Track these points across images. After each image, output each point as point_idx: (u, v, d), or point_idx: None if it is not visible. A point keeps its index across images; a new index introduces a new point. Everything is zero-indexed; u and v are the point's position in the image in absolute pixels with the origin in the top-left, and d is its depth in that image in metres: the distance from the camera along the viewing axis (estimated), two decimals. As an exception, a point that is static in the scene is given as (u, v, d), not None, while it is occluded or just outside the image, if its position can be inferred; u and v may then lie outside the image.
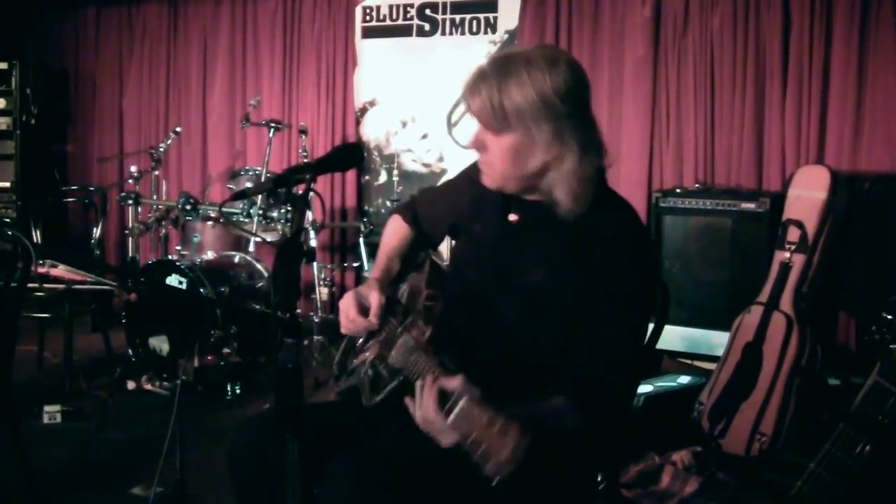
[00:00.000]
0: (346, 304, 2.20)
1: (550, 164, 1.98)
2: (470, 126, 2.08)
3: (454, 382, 1.81)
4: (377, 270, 2.37)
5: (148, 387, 4.89)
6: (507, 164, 2.02)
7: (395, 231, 2.53)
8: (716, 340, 4.63)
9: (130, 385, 4.91)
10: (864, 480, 1.44)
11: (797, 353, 4.07)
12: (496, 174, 2.07)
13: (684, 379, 4.59)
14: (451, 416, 1.74)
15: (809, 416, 4.02)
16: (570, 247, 2.03)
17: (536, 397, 1.96)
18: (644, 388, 4.36)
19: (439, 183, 4.42)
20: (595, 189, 2.02)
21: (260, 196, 5.01)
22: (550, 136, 1.95)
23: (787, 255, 4.21)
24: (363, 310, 2.19)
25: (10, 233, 2.96)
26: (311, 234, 5.39)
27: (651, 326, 2.48)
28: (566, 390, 1.95)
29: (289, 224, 4.87)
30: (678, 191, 5.11)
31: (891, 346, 1.44)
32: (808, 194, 4.24)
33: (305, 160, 5.23)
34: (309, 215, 4.76)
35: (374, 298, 2.19)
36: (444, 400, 1.79)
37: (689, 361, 4.93)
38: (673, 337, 4.85)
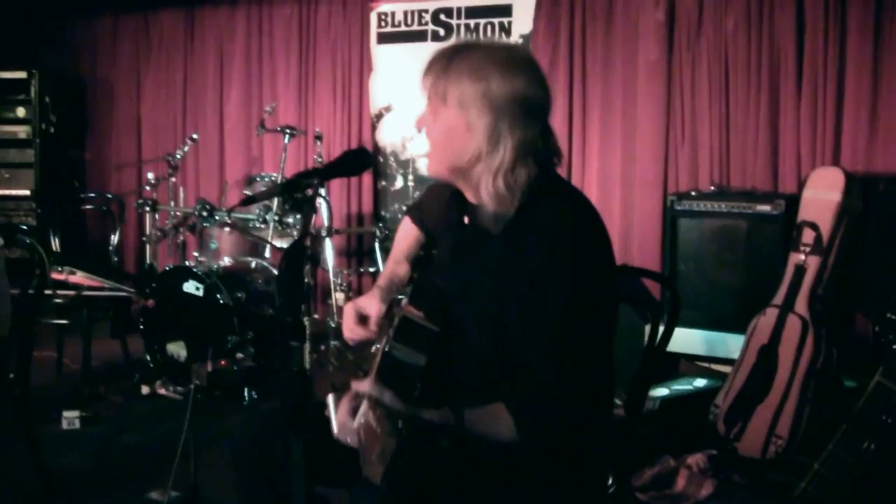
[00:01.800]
0: (346, 315, 2.22)
1: (481, 157, 1.94)
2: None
3: (363, 385, 1.84)
4: (382, 278, 2.38)
5: (162, 391, 4.93)
6: (441, 147, 2.00)
7: (404, 233, 2.53)
8: (731, 343, 4.61)
9: (145, 390, 4.95)
10: (869, 480, 1.44)
11: (812, 355, 4.05)
12: (432, 157, 2.04)
13: (700, 382, 4.58)
14: (355, 420, 1.78)
15: (826, 419, 4.00)
16: (503, 254, 1.99)
17: (480, 402, 1.93)
18: (660, 392, 4.36)
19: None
20: (530, 194, 1.97)
21: (276, 202, 5.04)
22: (487, 126, 1.92)
23: (802, 256, 4.20)
24: (362, 319, 2.20)
25: (27, 241, 2.97)
26: (326, 239, 5.40)
27: (661, 329, 2.49)
28: (506, 397, 1.91)
29: (299, 229, 4.91)
30: (693, 193, 5.10)
31: (894, 347, 1.43)
32: (822, 196, 4.23)
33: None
34: (325, 220, 4.78)
35: (373, 308, 2.20)
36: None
37: (705, 364, 4.91)
38: (688, 339, 4.84)
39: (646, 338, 2.48)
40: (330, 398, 1.92)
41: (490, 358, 1.99)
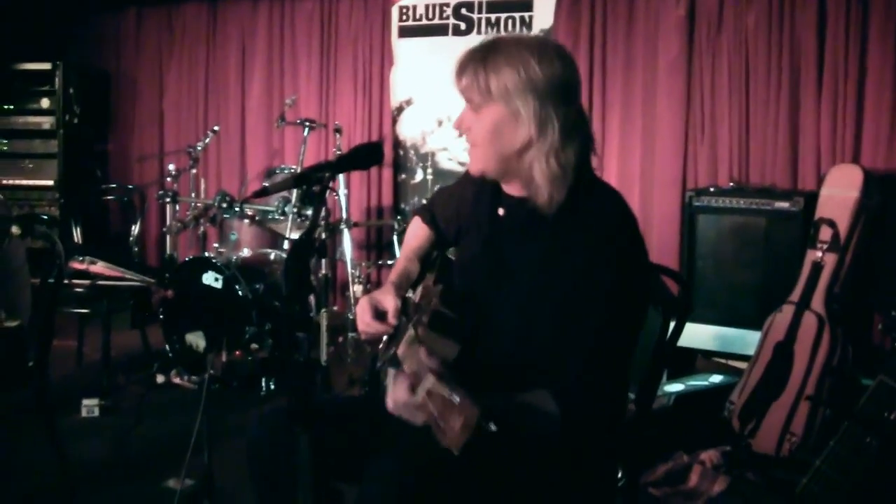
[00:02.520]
0: (361, 310, 2.22)
1: (532, 142, 1.99)
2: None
3: (428, 362, 1.86)
4: (394, 274, 2.39)
5: (177, 381, 4.97)
6: (489, 142, 2.03)
7: (415, 233, 2.55)
8: (748, 340, 4.60)
9: (160, 379, 5.00)
10: (870, 477, 1.45)
11: (828, 353, 4.05)
12: (478, 155, 2.08)
13: (716, 378, 4.58)
14: (417, 395, 1.79)
15: (841, 417, 3.99)
16: (552, 243, 2.02)
17: (521, 389, 1.96)
18: (675, 387, 4.36)
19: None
20: (577, 179, 2.02)
21: (294, 194, 5.07)
22: (534, 111, 1.97)
23: (819, 254, 4.19)
24: (378, 314, 2.21)
25: (44, 230, 3.01)
26: (345, 231, 5.43)
27: (672, 324, 2.49)
28: (550, 386, 1.95)
29: (323, 221, 4.95)
30: (712, 190, 5.09)
31: (895, 345, 1.44)
32: (840, 193, 4.22)
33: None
34: (343, 212, 4.80)
35: (390, 303, 2.21)
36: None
37: (721, 360, 4.91)
38: (705, 336, 4.84)
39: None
40: (390, 372, 1.93)
41: (523, 349, 2.03)
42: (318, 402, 2.10)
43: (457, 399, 1.68)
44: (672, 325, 2.43)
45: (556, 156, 1.99)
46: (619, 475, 2.43)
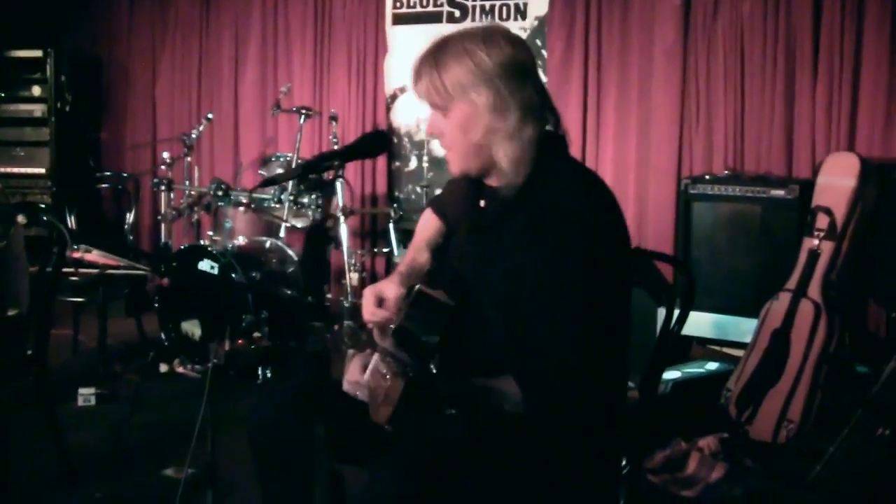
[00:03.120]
0: (366, 300, 2.25)
1: (494, 129, 2.01)
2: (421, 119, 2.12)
3: (383, 342, 1.92)
4: (403, 264, 2.41)
5: (180, 370, 4.97)
6: (459, 140, 2.06)
7: (426, 223, 2.56)
8: (744, 327, 4.62)
9: (163, 368, 4.99)
10: (883, 464, 1.46)
11: (825, 340, 4.07)
12: (455, 156, 2.11)
13: (712, 365, 4.59)
14: (366, 373, 1.82)
15: (837, 404, 4.01)
16: (521, 231, 2.04)
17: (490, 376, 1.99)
18: (672, 375, 4.38)
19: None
20: (541, 158, 2.05)
21: (290, 182, 5.05)
22: (490, 100, 2.00)
23: (816, 242, 4.20)
24: (381, 303, 2.23)
25: (45, 218, 3.00)
26: (341, 219, 5.42)
27: (676, 312, 2.49)
28: (516, 373, 1.97)
29: (319, 210, 4.94)
30: (707, 177, 5.10)
31: (909, 333, 1.45)
32: (837, 182, 4.23)
33: (336, 147, 5.26)
34: (339, 201, 4.79)
35: (392, 292, 2.23)
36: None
37: (717, 348, 4.93)
38: (701, 323, 4.85)
39: (659, 321, 2.50)
40: (349, 353, 1.96)
41: (503, 336, 2.03)
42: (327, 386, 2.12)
43: (388, 375, 1.71)
44: (676, 313, 2.44)
45: (517, 137, 2.02)
46: (623, 463, 2.44)
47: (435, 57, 2.03)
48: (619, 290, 2.06)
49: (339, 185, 5.10)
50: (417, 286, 2.10)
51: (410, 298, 2.09)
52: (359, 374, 1.95)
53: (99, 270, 4.93)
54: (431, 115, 2.11)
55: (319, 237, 1.77)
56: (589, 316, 1.95)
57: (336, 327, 5.43)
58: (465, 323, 2.09)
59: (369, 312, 2.23)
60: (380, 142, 2.07)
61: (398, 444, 1.96)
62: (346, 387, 1.98)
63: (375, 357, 1.84)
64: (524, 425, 1.99)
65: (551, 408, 1.97)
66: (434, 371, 2.00)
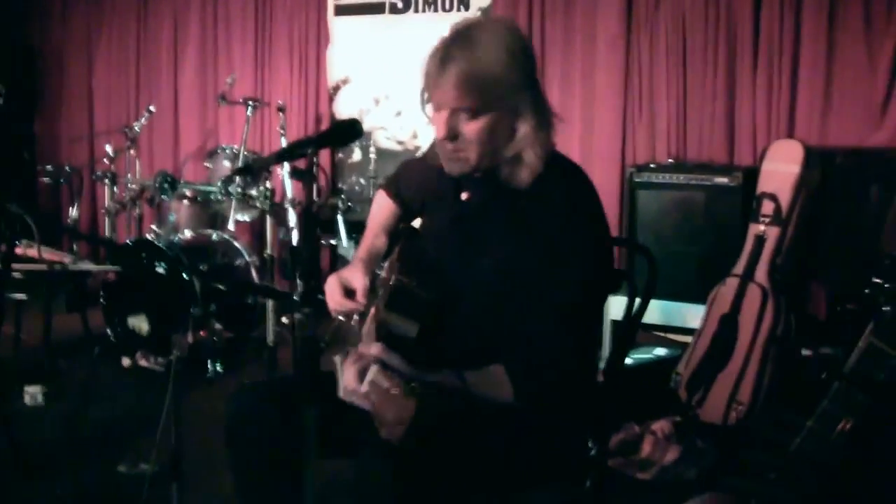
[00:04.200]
0: (331, 288, 2.22)
1: (531, 129, 1.99)
2: (434, 117, 2.01)
3: (372, 350, 1.88)
4: (362, 250, 2.38)
5: (143, 363, 4.89)
6: (484, 143, 1.99)
7: (380, 206, 2.54)
8: (688, 313, 4.69)
9: (126, 362, 4.91)
10: (862, 434, 1.52)
11: (772, 323, 4.15)
12: (469, 156, 2.02)
13: (661, 351, 4.67)
14: (364, 384, 1.82)
15: (785, 385, 4.11)
16: (521, 217, 2.03)
17: (475, 367, 1.98)
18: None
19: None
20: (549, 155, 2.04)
21: (238, 175, 5.01)
22: (532, 104, 1.98)
23: (762, 227, 4.28)
24: (348, 293, 2.21)
25: (17, 210, 2.93)
26: (290, 210, 5.40)
27: (637, 301, 2.54)
28: (507, 361, 1.98)
29: (267, 202, 4.90)
30: (652, 166, 5.16)
31: (884, 308, 1.50)
32: (782, 168, 4.32)
33: (283, 137, 5.21)
34: (289, 192, 4.75)
35: (359, 281, 2.20)
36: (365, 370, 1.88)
37: (662, 334, 5.00)
38: (648, 310, 4.90)
39: (613, 308, 2.54)
40: (337, 359, 1.94)
41: (487, 325, 2.04)
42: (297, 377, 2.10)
43: (395, 392, 1.70)
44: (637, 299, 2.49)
45: (549, 136, 2.02)
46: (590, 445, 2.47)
47: (468, 54, 1.93)
48: (607, 280, 2.11)
49: (284, 174, 5.10)
50: (394, 278, 2.09)
51: (388, 293, 2.07)
52: (355, 383, 1.90)
53: (41, 266, 4.83)
54: (449, 119, 1.99)
55: (312, 223, 1.73)
56: (583, 312, 2.00)
57: (284, 320, 5.41)
58: (444, 313, 2.07)
59: (336, 302, 2.21)
60: (353, 130, 2.05)
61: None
62: (343, 395, 1.94)
63: (373, 369, 1.81)
64: (510, 411, 2.00)
65: (545, 398, 1.99)
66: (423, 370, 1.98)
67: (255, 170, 2.05)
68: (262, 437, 2.11)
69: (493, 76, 1.93)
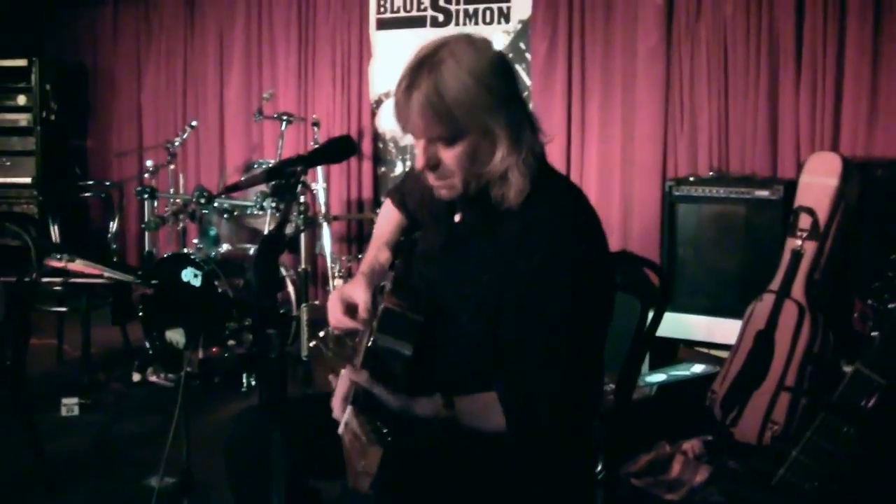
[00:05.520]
0: (332, 305, 2.18)
1: (510, 151, 1.91)
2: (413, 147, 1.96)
3: (355, 375, 1.88)
4: (364, 264, 2.35)
5: (153, 379, 4.94)
6: (465, 169, 1.93)
7: (386, 218, 2.51)
8: (730, 328, 4.59)
9: (136, 377, 4.96)
10: (849, 466, 1.45)
11: (809, 340, 4.05)
12: (454, 183, 1.97)
13: (698, 367, 4.58)
14: (341, 426, 1.79)
15: (822, 404, 3.99)
16: (504, 245, 1.97)
17: (469, 391, 1.93)
18: (657, 377, 4.36)
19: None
20: (535, 171, 1.96)
21: (227, 193, 5.02)
22: (506, 124, 1.90)
23: (799, 242, 4.19)
24: (349, 309, 2.17)
25: (15, 229, 2.99)
26: (325, 225, 5.41)
27: (651, 315, 2.48)
28: (499, 393, 1.92)
29: (301, 216, 4.92)
30: (691, 179, 5.08)
31: (871, 334, 1.44)
32: (819, 181, 4.21)
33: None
34: (322, 206, 4.76)
35: (360, 296, 2.16)
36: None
37: (704, 350, 4.92)
38: (686, 325, 4.83)
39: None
40: (332, 379, 1.93)
41: (481, 348, 1.99)
42: (294, 398, 2.07)
43: (363, 439, 1.65)
44: (651, 315, 2.42)
45: (532, 156, 1.95)
46: (599, 468, 2.42)
47: (428, 78, 1.86)
48: (601, 305, 2.02)
49: (321, 189, 5.11)
50: (383, 305, 2.05)
51: (378, 316, 2.04)
52: (339, 409, 1.90)
53: (82, 279, 4.90)
54: (426, 148, 1.93)
55: (273, 243, 1.71)
56: (575, 338, 1.91)
57: (321, 334, 5.42)
58: (436, 337, 2.03)
59: (336, 319, 2.19)
60: (346, 147, 2.03)
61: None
62: (335, 415, 1.94)
63: (349, 410, 1.78)
64: (501, 439, 1.94)
65: (535, 428, 1.93)
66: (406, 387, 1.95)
67: (242, 188, 2.02)
68: (260, 459, 2.09)
69: (457, 102, 1.85)
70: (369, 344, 1.99)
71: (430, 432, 1.90)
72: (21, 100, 7.07)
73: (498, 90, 1.90)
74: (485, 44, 1.96)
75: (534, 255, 1.90)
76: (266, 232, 5.29)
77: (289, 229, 5.33)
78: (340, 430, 1.78)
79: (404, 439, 1.67)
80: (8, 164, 7.06)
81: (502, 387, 1.92)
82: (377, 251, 2.40)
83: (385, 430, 1.64)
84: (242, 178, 5.67)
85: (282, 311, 1.73)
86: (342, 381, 1.95)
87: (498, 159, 1.91)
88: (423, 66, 1.88)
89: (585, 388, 1.98)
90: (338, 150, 2.04)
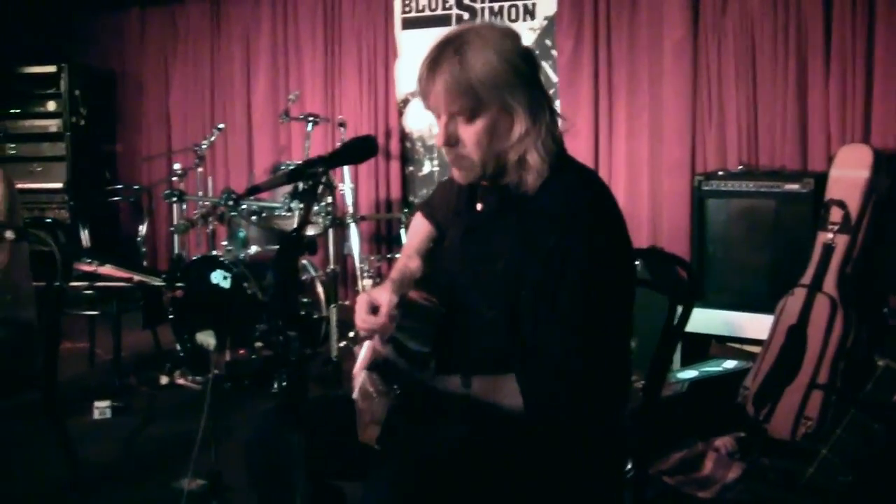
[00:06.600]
0: (359, 306, 2.18)
1: (528, 131, 1.93)
2: (433, 123, 1.99)
3: (380, 348, 1.90)
4: (395, 271, 2.35)
5: (181, 381, 4.96)
6: (484, 147, 1.95)
7: (416, 229, 2.52)
8: (762, 324, 4.55)
9: (164, 380, 4.98)
10: (878, 463, 1.42)
11: (842, 335, 4.00)
12: (474, 163, 1.99)
13: (730, 363, 4.54)
14: (355, 391, 1.79)
15: (846, 404, 3.94)
16: (524, 230, 1.97)
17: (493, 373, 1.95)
18: (689, 374, 4.33)
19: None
20: (554, 158, 1.97)
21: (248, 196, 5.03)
22: (526, 101, 1.92)
23: (830, 235, 4.14)
24: (374, 310, 2.17)
25: (41, 235, 3.01)
26: (352, 225, 5.41)
27: (679, 310, 2.45)
28: (518, 376, 1.92)
29: (329, 217, 4.92)
30: (720, 173, 5.04)
31: (900, 329, 1.41)
32: (850, 174, 4.16)
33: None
34: (350, 207, 4.76)
35: (385, 299, 2.13)
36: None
37: (736, 346, 4.87)
38: (718, 321, 4.79)
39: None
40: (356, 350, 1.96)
41: (502, 336, 1.99)
42: (316, 399, 2.07)
43: (374, 394, 1.67)
44: (679, 311, 2.39)
45: (550, 137, 1.96)
46: (628, 466, 2.40)
47: (454, 56, 1.90)
48: (623, 293, 2.01)
49: (348, 190, 5.11)
50: (407, 297, 2.06)
51: (400, 308, 2.05)
52: (358, 377, 1.91)
53: (112, 283, 4.94)
54: (447, 124, 1.97)
55: (293, 244, 1.71)
56: (591, 323, 1.90)
57: (351, 335, 5.43)
58: (458, 327, 2.04)
59: (361, 320, 2.19)
60: (367, 147, 2.03)
61: (390, 457, 1.92)
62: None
63: (363, 375, 1.80)
64: (523, 432, 1.94)
65: (552, 412, 1.92)
66: (431, 376, 1.96)
67: (265, 189, 2.02)
68: (281, 458, 2.09)
69: (481, 76, 1.89)
70: (392, 334, 2.00)
71: (448, 405, 1.90)
72: (51, 106, 7.15)
73: (521, 70, 1.93)
74: (510, 30, 1.99)
75: (550, 238, 1.90)
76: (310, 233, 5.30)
77: (312, 230, 5.36)
78: (354, 394, 1.79)
79: (412, 395, 1.66)
80: (39, 169, 7.14)
81: (520, 369, 1.93)
82: (407, 259, 2.41)
83: (395, 386, 1.66)
84: (266, 180, 5.71)
85: (303, 313, 1.74)
86: (365, 351, 1.95)
87: (516, 136, 1.94)
88: (450, 44, 1.93)
89: (607, 374, 1.97)
90: (358, 150, 2.04)
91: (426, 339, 1.97)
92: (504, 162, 1.98)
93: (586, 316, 1.89)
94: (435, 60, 1.93)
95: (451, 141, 1.98)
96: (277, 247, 5.19)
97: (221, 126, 6.13)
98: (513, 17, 6.28)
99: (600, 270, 1.91)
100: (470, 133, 1.95)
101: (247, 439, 2.22)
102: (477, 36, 1.92)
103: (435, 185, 6.24)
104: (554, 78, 6.04)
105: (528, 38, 6.16)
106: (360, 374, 1.94)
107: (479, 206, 2.15)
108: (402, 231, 5.80)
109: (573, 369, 1.89)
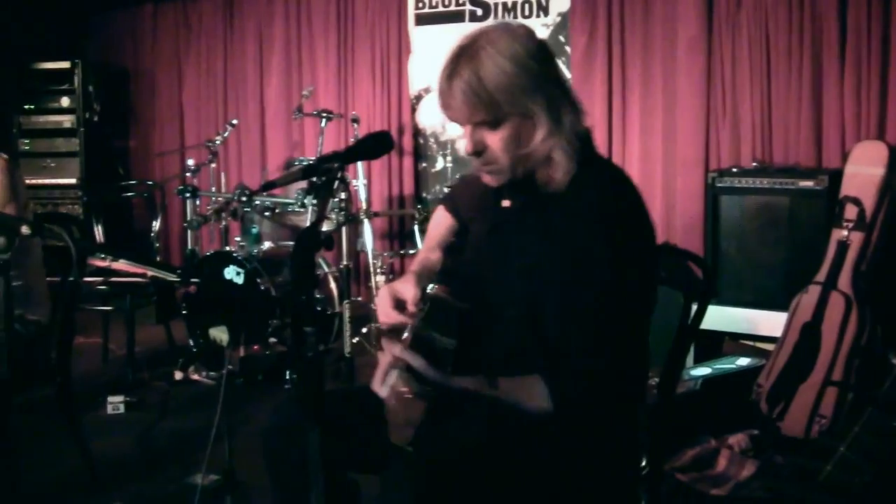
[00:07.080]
0: (381, 300, 2.18)
1: (552, 132, 1.94)
2: (460, 134, 2.00)
3: (398, 351, 1.87)
4: (416, 264, 2.35)
5: (195, 377, 4.97)
6: (511, 152, 1.96)
7: (437, 222, 2.52)
8: (775, 321, 4.53)
9: (178, 376, 5.00)
10: (894, 462, 1.41)
11: (856, 333, 3.98)
12: (502, 167, 2.00)
13: (743, 361, 4.52)
14: (384, 388, 1.79)
15: (864, 401, 3.93)
16: (547, 227, 1.98)
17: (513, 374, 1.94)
18: (702, 371, 4.32)
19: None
20: (580, 154, 1.98)
21: (263, 191, 5.04)
22: (546, 105, 1.93)
23: (845, 233, 4.12)
24: (398, 304, 2.18)
25: (56, 229, 3.01)
26: (366, 221, 5.41)
27: (694, 307, 2.44)
28: (543, 371, 1.92)
29: (343, 213, 4.92)
30: (734, 170, 5.02)
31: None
32: (865, 171, 4.14)
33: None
34: (363, 203, 4.77)
35: (409, 293, 2.15)
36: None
37: (749, 343, 4.85)
38: (731, 318, 4.77)
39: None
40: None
41: (524, 334, 1.99)
42: (333, 392, 2.07)
43: (408, 395, 1.67)
44: (694, 308, 2.39)
45: (573, 136, 1.96)
46: (643, 463, 2.39)
47: (467, 67, 1.91)
48: (644, 289, 2.02)
49: (361, 186, 5.11)
50: (431, 290, 2.06)
51: (425, 304, 2.05)
52: (378, 384, 1.90)
53: (125, 278, 4.95)
54: (472, 133, 1.97)
55: (310, 240, 1.71)
56: (614, 317, 1.91)
57: (364, 330, 5.43)
58: (481, 324, 2.03)
59: (385, 314, 2.18)
60: (383, 142, 2.02)
61: (411, 456, 1.92)
62: (373, 385, 1.96)
63: (393, 373, 1.79)
64: (544, 427, 1.94)
65: (577, 407, 1.93)
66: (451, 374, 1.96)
67: (279, 185, 2.03)
68: (293, 452, 2.10)
69: (496, 86, 1.90)
70: (416, 331, 1.99)
71: (472, 405, 1.90)
72: (65, 102, 7.17)
73: (535, 71, 1.93)
74: (521, 29, 1.99)
75: (577, 233, 1.91)
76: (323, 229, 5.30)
77: (326, 226, 5.35)
78: (386, 393, 1.79)
79: (447, 398, 1.66)
80: (53, 165, 7.16)
81: (544, 362, 1.93)
82: (428, 251, 2.42)
83: (429, 388, 1.65)
84: (281, 176, 5.72)
85: (318, 309, 1.74)
86: (386, 353, 1.95)
87: (539, 139, 1.94)
88: (463, 54, 1.93)
89: (628, 366, 1.99)
90: (374, 145, 2.03)
91: (451, 334, 1.96)
92: (532, 163, 1.98)
93: (612, 315, 1.90)
94: (451, 74, 1.94)
95: (479, 148, 1.99)
96: (293, 243, 5.25)
97: (235, 122, 6.14)
98: (526, 13, 6.27)
99: (626, 269, 1.92)
100: (496, 140, 1.96)
101: (263, 429, 2.23)
102: (488, 42, 1.92)
103: (448, 181, 6.25)
104: (567, 74, 6.02)
105: (541, 34, 6.08)
106: (388, 373, 1.92)
107: (505, 203, 2.15)
108: (416, 227, 5.80)
109: (600, 370, 1.90)
